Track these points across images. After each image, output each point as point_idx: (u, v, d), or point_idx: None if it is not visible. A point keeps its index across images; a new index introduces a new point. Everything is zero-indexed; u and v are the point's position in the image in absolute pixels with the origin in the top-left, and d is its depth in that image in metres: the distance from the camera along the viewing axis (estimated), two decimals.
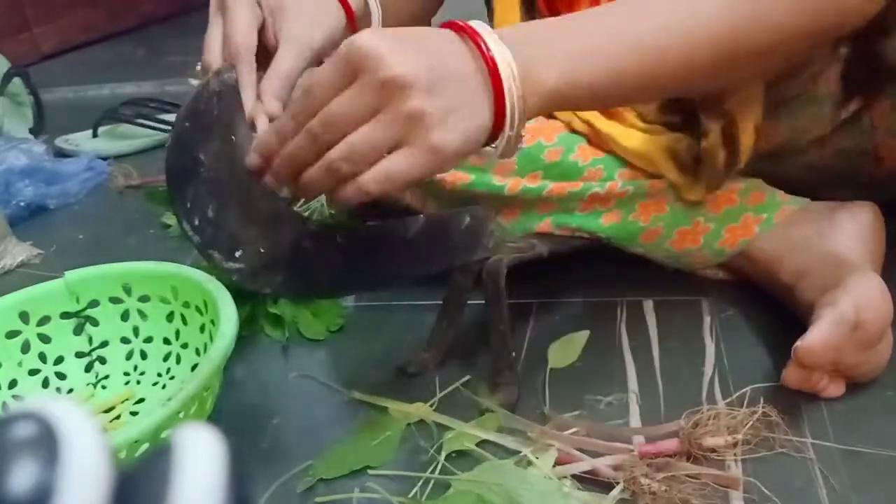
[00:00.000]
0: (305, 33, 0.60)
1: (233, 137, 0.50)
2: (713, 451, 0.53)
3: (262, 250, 0.52)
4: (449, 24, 0.48)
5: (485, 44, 0.46)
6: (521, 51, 0.47)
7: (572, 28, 0.51)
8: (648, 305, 0.70)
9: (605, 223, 0.67)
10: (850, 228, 0.65)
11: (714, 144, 0.63)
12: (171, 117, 1.20)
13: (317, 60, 0.61)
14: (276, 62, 0.58)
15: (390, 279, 0.60)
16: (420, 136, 0.44)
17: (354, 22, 0.65)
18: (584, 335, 0.63)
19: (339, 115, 0.45)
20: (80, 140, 1.22)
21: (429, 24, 0.81)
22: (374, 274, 0.56)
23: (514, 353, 0.62)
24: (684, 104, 0.66)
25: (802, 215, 0.67)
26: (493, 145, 0.48)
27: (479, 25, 0.47)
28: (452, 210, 0.57)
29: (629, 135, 0.66)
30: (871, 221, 0.67)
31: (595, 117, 0.67)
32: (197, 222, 0.49)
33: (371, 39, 0.44)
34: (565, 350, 0.63)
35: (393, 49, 0.44)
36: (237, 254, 0.51)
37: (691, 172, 0.65)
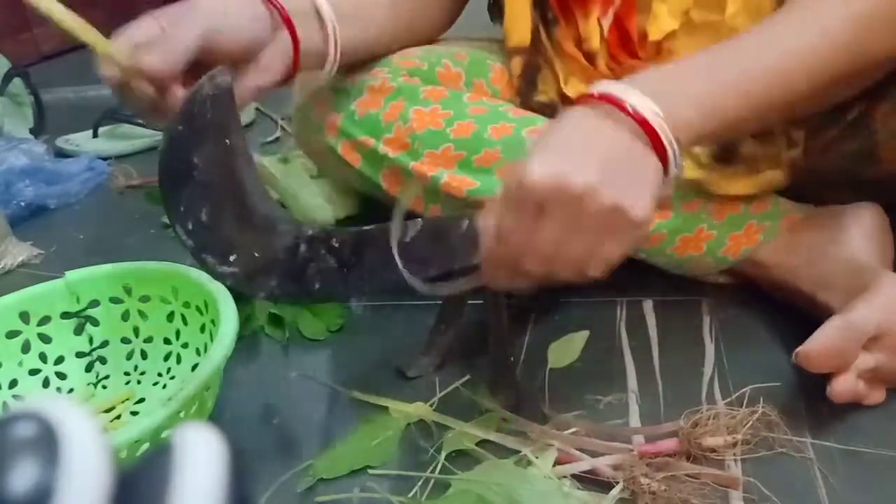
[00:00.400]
0: (217, 20, 0.58)
1: (227, 141, 0.50)
2: (713, 450, 0.53)
3: (256, 255, 0.51)
4: (584, 100, 0.49)
5: (629, 104, 0.47)
6: (659, 97, 0.48)
7: (703, 68, 0.52)
8: (648, 305, 0.70)
9: None
10: (861, 231, 0.66)
11: (801, 153, 0.65)
12: None
13: (207, 52, 0.57)
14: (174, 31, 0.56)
15: (387, 284, 0.59)
16: (623, 223, 0.46)
17: (297, 49, 0.64)
18: (583, 335, 0.63)
19: (543, 248, 0.47)
20: (81, 140, 1.22)
21: (442, 22, 0.80)
22: (370, 278, 0.55)
23: (512, 357, 0.62)
24: None
25: (808, 222, 0.67)
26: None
27: (611, 87, 0.48)
28: (451, 214, 0.56)
29: None
30: (880, 222, 0.67)
31: None
32: (190, 226, 0.49)
33: (538, 171, 0.45)
34: (565, 350, 0.63)
35: (560, 171, 0.45)
36: (231, 258, 0.51)
37: (713, 168, 0.66)
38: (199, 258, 0.51)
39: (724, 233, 0.67)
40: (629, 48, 0.70)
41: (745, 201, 0.67)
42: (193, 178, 0.49)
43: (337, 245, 0.54)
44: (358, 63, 0.72)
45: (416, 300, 0.74)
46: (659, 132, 0.47)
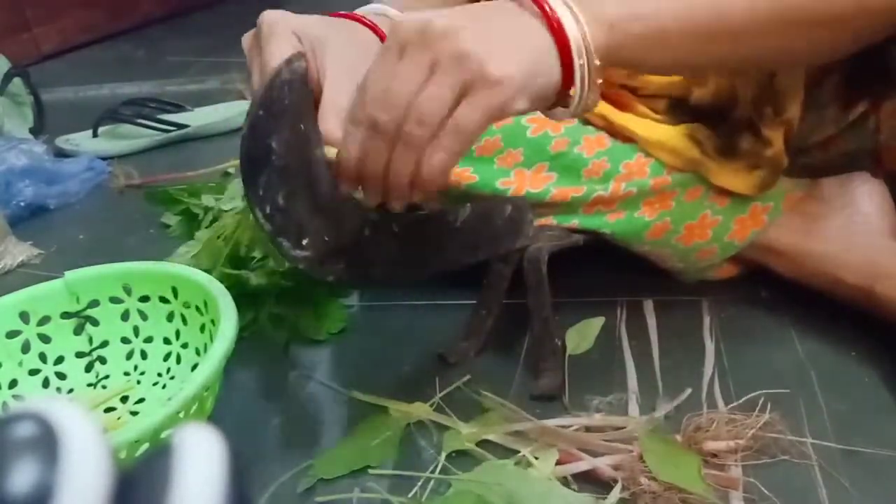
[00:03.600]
0: (350, 63, 0.59)
1: (301, 126, 0.50)
2: (714, 455, 0.53)
3: (326, 238, 0.52)
4: None
5: (549, 4, 0.45)
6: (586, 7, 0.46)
7: None
8: (648, 305, 0.70)
9: (610, 220, 0.67)
10: (879, 208, 0.66)
11: (779, 152, 0.64)
12: (172, 117, 1.20)
13: None
14: (328, 93, 0.56)
15: (440, 266, 0.60)
16: (476, 76, 0.44)
17: None
18: (599, 321, 0.64)
19: (396, 89, 0.44)
20: (81, 140, 1.22)
21: None
22: (425, 261, 0.58)
23: (557, 340, 0.62)
24: (693, 107, 0.66)
25: (810, 201, 0.67)
26: (566, 104, 0.48)
27: None
28: (495, 199, 0.57)
29: (645, 125, 0.67)
30: (885, 190, 0.67)
31: (610, 111, 0.67)
32: (268, 210, 0.50)
33: (412, 20, 0.44)
34: (582, 335, 0.63)
35: (433, 16, 0.44)
36: (304, 242, 0.51)
37: (715, 159, 0.66)
38: (275, 242, 0.51)
39: (729, 217, 0.67)
40: None
41: None
42: (272, 162, 0.49)
43: (397, 230, 0.55)
44: None
45: (416, 300, 0.74)
46: (556, 12, 0.45)
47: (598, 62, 0.46)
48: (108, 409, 0.64)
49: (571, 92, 0.47)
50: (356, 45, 0.59)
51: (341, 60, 0.57)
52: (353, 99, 0.47)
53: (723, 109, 0.66)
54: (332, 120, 0.53)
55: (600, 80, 0.47)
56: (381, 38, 0.63)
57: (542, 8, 0.46)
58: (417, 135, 0.45)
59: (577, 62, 0.46)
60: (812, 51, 0.55)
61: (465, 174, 0.67)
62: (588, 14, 0.46)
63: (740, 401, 0.58)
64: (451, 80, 0.44)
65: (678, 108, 0.68)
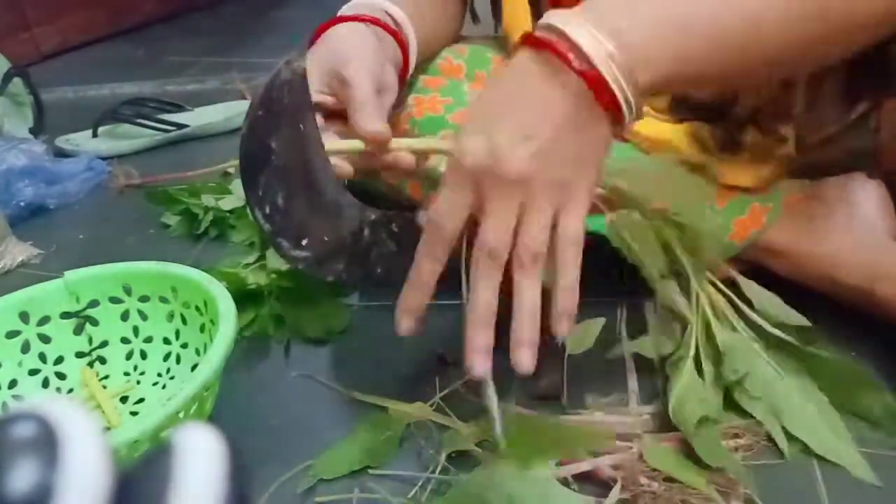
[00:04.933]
0: (369, 66, 0.59)
1: (301, 126, 0.50)
2: None
3: (326, 238, 0.52)
4: (526, 41, 0.45)
5: (575, 54, 0.43)
6: (615, 33, 0.43)
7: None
8: (649, 306, 0.70)
9: (608, 222, 0.67)
10: (879, 208, 0.66)
11: (791, 148, 0.65)
12: (172, 117, 1.20)
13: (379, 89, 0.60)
14: (354, 95, 0.57)
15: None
16: (566, 199, 0.45)
17: (406, 52, 0.65)
18: (599, 321, 0.64)
19: (493, 238, 0.45)
20: (80, 140, 1.22)
21: (455, 33, 0.80)
22: None
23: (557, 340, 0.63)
24: (694, 104, 0.66)
25: (810, 201, 0.67)
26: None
27: (557, 23, 0.44)
28: None
29: (646, 122, 0.66)
30: (885, 191, 0.67)
31: None
32: (267, 210, 0.50)
33: (470, 147, 0.44)
34: (582, 336, 0.63)
35: (496, 145, 0.43)
36: (304, 242, 0.51)
37: (719, 156, 0.66)
38: (274, 243, 0.51)
39: (729, 218, 0.67)
40: None
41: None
42: (271, 162, 0.49)
43: (396, 230, 0.55)
44: None
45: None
46: (612, 85, 0.43)
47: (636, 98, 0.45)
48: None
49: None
50: (374, 49, 0.59)
51: (362, 64, 0.58)
52: (425, 235, 0.47)
53: (724, 105, 0.66)
54: (363, 114, 0.54)
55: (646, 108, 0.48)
56: (387, 30, 0.63)
57: (569, 64, 0.43)
58: (531, 266, 0.45)
59: (626, 118, 0.45)
60: (842, 50, 0.54)
61: None
62: (631, 68, 0.43)
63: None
64: (548, 208, 0.45)
65: (680, 105, 0.68)
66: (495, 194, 0.44)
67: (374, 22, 0.63)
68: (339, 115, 0.59)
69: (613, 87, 0.43)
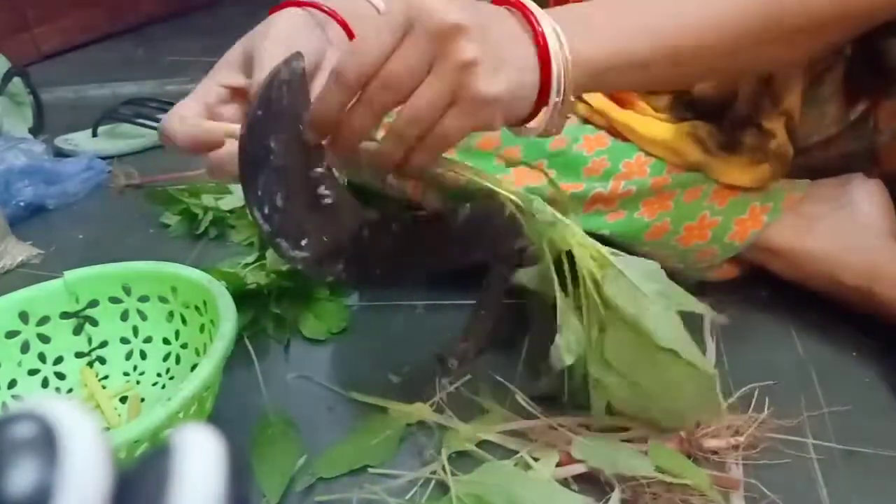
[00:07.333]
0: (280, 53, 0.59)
1: (300, 126, 0.50)
2: (714, 452, 0.53)
3: (325, 239, 0.52)
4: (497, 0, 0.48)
5: (533, 16, 0.46)
6: (566, 23, 0.46)
7: (620, 5, 0.50)
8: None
9: (609, 220, 0.67)
10: (879, 208, 0.66)
11: (783, 143, 0.64)
12: None
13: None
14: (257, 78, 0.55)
15: (439, 267, 0.61)
16: (469, 87, 0.44)
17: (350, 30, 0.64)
18: None
19: (396, 73, 0.44)
20: (80, 140, 1.22)
21: None
22: (424, 262, 0.58)
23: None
24: (695, 102, 0.66)
25: (810, 201, 0.67)
26: (535, 122, 0.48)
27: (526, 1, 0.47)
28: (495, 199, 0.57)
29: (646, 122, 0.66)
30: (884, 191, 0.67)
31: (610, 108, 0.67)
32: (266, 211, 0.50)
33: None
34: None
35: (446, 3, 0.44)
36: (303, 243, 0.51)
37: (719, 156, 0.66)
38: (272, 243, 0.51)
39: (729, 218, 0.67)
40: None
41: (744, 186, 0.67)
42: (270, 162, 0.49)
43: (396, 230, 0.56)
44: None
45: (416, 300, 0.74)
46: (550, 48, 0.46)
47: (572, 97, 0.47)
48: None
49: (542, 112, 0.47)
50: (296, 39, 0.58)
51: (274, 51, 0.56)
52: (342, 57, 0.46)
53: (724, 103, 0.66)
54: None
55: (570, 113, 0.48)
56: (324, 12, 0.62)
57: (529, 21, 0.46)
58: (408, 133, 0.45)
59: (552, 100, 0.46)
60: (791, 57, 0.57)
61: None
62: (571, 39, 0.46)
63: (741, 399, 0.58)
64: (448, 88, 0.44)
65: (680, 104, 0.68)
66: (417, 37, 0.44)
67: (313, 6, 0.62)
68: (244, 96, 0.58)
69: (552, 47, 0.46)
